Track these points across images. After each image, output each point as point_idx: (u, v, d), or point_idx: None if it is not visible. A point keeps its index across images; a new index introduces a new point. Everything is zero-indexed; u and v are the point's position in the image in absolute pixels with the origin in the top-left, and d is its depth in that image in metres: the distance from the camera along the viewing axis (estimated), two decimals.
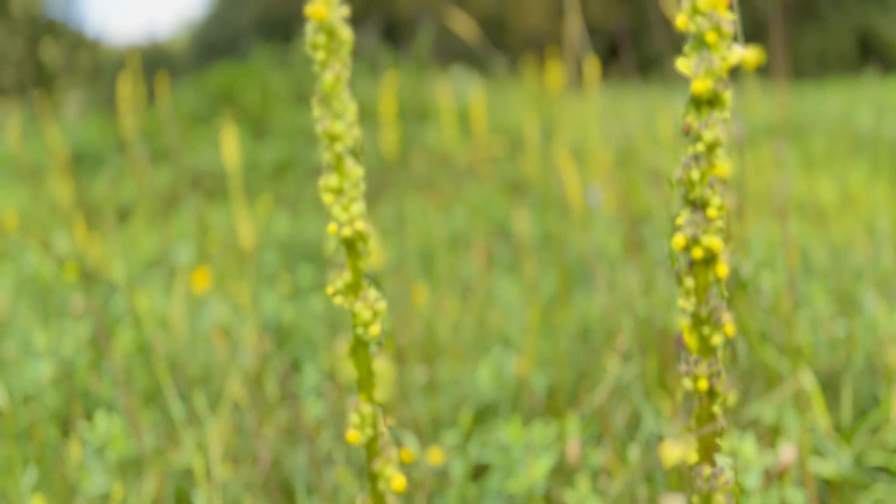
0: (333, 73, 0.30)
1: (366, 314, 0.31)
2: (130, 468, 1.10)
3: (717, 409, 0.33)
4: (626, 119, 3.52)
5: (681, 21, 0.32)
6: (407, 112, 4.55)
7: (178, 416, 1.18)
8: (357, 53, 5.32)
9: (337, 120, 0.30)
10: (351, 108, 0.31)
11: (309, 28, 0.30)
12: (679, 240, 0.32)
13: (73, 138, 4.94)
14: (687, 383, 0.33)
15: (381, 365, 0.32)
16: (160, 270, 2.14)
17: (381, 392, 0.32)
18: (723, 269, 0.32)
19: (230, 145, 2.09)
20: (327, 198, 0.31)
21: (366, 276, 0.32)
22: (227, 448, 1.18)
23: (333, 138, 0.31)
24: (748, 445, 0.83)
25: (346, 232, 0.31)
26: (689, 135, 0.32)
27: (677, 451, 0.34)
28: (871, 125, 3.62)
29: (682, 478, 0.97)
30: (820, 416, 1.03)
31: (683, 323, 0.33)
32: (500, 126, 4.45)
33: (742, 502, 0.82)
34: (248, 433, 1.23)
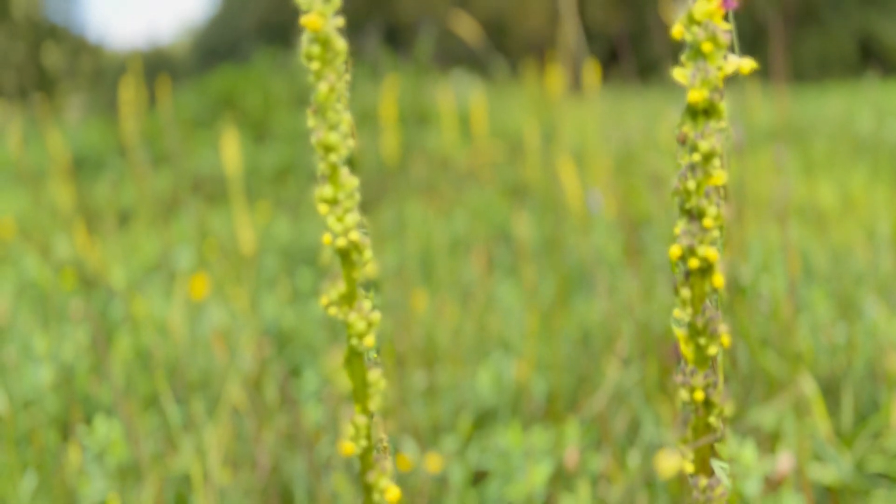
0: (328, 83, 0.30)
1: (360, 325, 0.31)
2: (130, 474, 1.09)
3: (713, 420, 0.32)
4: (627, 123, 3.52)
5: (677, 31, 0.32)
6: (408, 116, 4.55)
7: (177, 422, 1.18)
8: (358, 57, 5.32)
9: (331, 131, 0.30)
10: (346, 119, 0.31)
11: (304, 39, 0.30)
12: (675, 250, 0.32)
13: (74, 142, 4.95)
14: (683, 394, 0.32)
15: (376, 376, 0.32)
16: (160, 275, 2.14)
17: (377, 403, 0.32)
18: (719, 280, 0.32)
19: (231, 149, 2.09)
20: (322, 208, 0.31)
21: (360, 286, 0.32)
22: (227, 453, 1.18)
23: (328, 149, 0.31)
24: (748, 452, 0.82)
25: (341, 242, 0.31)
26: (684, 145, 0.32)
27: (673, 462, 0.34)
28: (872, 129, 3.62)
29: (682, 484, 0.96)
30: (820, 421, 1.03)
31: (679, 333, 0.33)
32: (501, 130, 4.45)
33: None
34: (248, 438, 1.23)
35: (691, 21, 0.32)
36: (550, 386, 1.34)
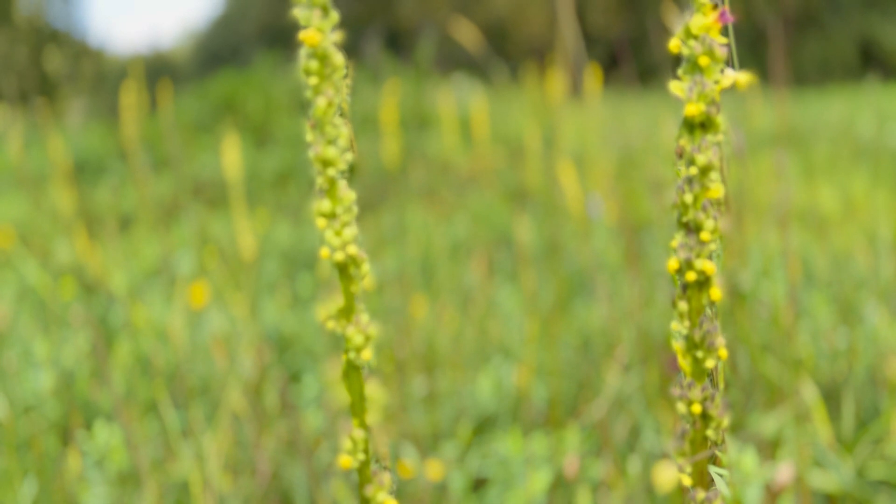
0: (326, 98, 0.30)
1: (358, 339, 0.31)
2: (129, 480, 1.09)
3: (711, 432, 0.32)
4: (627, 128, 3.52)
5: (674, 44, 0.32)
6: (408, 120, 4.55)
7: (176, 428, 1.18)
8: (359, 62, 5.33)
9: (329, 145, 0.30)
10: (344, 133, 0.31)
11: (302, 53, 0.30)
12: (673, 263, 0.32)
13: (75, 147, 4.95)
14: (681, 407, 0.32)
15: (374, 389, 0.32)
16: (161, 280, 2.14)
17: (374, 416, 0.32)
18: (716, 293, 0.32)
19: (232, 154, 2.09)
20: (320, 222, 0.31)
21: (358, 300, 0.32)
22: (227, 460, 1.18)
23: (326, 163, 0.31)
24: (748, 459, 0.82)
25: (339, 256, 0.31)
26: (682, 158, 0.32)
27: (670, 475, 0.34)
28: (873, 133, 3.62)
29: (682, 493, 0.96)
30: (821, 427, 1.03)
31: (677, 346, 0.33)
32: (502, 134, 4.45)
33: None
34: (248, 445, 1.22)
35: (688, 35, 0.32)
36: (551, 392, 1.33)
